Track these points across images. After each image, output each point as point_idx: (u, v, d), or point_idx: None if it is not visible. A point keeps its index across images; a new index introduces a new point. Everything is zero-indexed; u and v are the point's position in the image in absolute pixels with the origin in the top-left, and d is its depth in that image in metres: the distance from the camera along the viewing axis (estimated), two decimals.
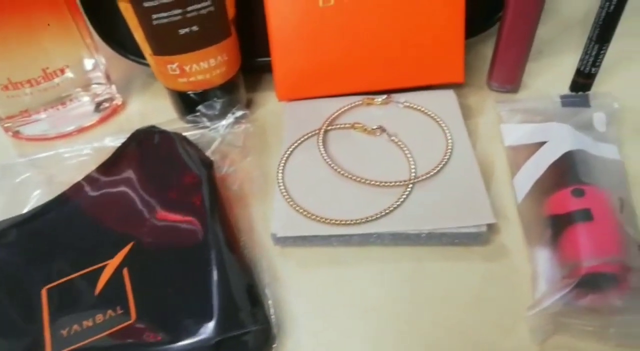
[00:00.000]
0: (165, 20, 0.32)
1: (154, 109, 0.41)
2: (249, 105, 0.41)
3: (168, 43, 0.33)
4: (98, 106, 0.41)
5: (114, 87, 0.41)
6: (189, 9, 0.32)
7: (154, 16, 0.31)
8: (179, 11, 0.32)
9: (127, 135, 0.36)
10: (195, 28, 0.33)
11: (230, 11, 0.34)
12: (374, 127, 0.34)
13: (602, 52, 0.35)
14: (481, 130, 0.36)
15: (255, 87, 0.42)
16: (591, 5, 0.47)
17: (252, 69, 0.40)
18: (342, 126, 0.35)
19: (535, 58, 0.42)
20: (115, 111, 0.42)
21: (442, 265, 0.29)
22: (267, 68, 0.38)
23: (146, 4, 0.31)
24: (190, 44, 0.33)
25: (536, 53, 0.42)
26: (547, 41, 0.44)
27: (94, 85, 0.40)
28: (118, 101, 0.42)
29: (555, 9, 0.48)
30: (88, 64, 0.39)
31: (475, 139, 0.36)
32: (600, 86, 0.39)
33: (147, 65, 0.37)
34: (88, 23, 0.39)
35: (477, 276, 0.28)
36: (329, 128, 0.35)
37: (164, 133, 0.35)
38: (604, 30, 0.33)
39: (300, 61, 0.36)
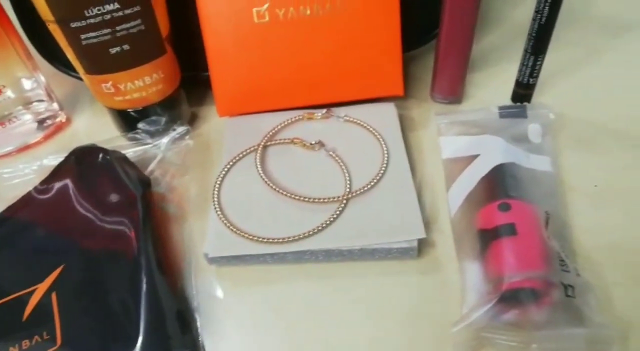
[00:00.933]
0: (94, 40, 0.31)
1: (100, 125, 0.41)
2: (193, 120, 0.40)
3: (99, 62, 0.33)
4: (41, 124, 0.40)
5: (56, 104, 0.41)
6: (118, 28, 0.31)
7: (83, 36, 0.31)
8: (108, 31, 0.31)
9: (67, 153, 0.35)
10: (126, 47, 0.32)
11: (164, 28, 0.34)
12: (313, 142, 0.34)
13: (538, 63, 0.35)
14: (423, 142, 0.36)
15: (201, 101, 0.42)
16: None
17: (197, 82, 0.40)
18: (281, 141, 0.35)
19: (480, 68, 0.42)
20: (59, 128, 0.41)
21: (376, 280, 0.29)
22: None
23: (73, 25, 0.31)
24: (123, 63, 0.33)
25: (481, 63, 0.43)
26: (492, 50, 0.44)
27: (35, 103, 0.39)
28: (62, 118, 0.41)
29: (501, 18, 0.48)
30: (27, 82, 0.38)
31: (416, 152, 0.36)
32: (543, 96, 0.39)
33: None
34: (27, 42, 0.38)
35: (411, 290, 0.28)
36: (269, 143, 0.35)
37: (102, 152, 0.35)
38: (538, 41, 0.34)
39: (239, 77, 0.36)
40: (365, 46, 0.35)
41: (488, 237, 0.27)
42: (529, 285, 0.25)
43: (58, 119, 0.41)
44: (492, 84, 0.40)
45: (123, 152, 0.36)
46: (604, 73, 0.41)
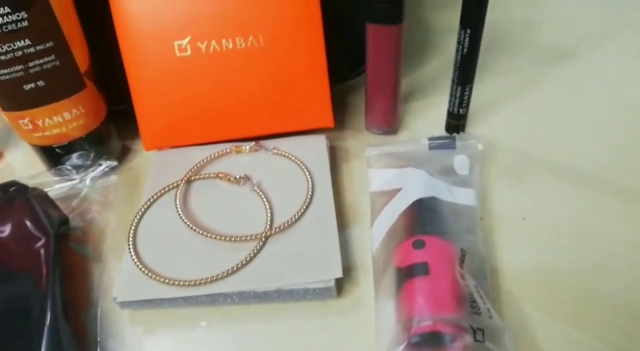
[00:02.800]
0: (7, 77, 0.31)
1: (33, 159, 0.40)
2: (125, 153, 0.39)
3: (14, 99, 0.32)
4: None
5: None
6: (31, 64, 0.31)
7: None
8: (20, 67, 0.30)
9: None
10: (40, 83, 0.31)
11: (83, 63, 0.33)
12: (238, 177, 0.33)
13: (466, 93, 0.34)
14: (355, 174, 0.36)
15: (134, 134, 0.41)
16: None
17: (130, 115, 0.39)
18: (206, 176, 0.34)
19: (418, 97, 0.42)
20: None
21: (294, 322, 0.28)
22: None
23: None
24: (38, 99, 0.32)
25: (419, 92, 0.42)
26: (430, 79, 0.44)
27: None
28: None
29: (440, 47, 0.48)
30: None
31: (348, 184, 0.35)
32: (477, 125, 0.39)
33: None
34: None
35: (329, 332, 0.27)
36: (193, 178, 0.34)
37: (21, 188, 0.34)
38: (463, 72, 0.33)
39: (164, 110, 0.35)
40: (291, 79, 0.35)
41: (403, 276, 0.26)
42: (437, 329, 0.24)
43: None
44: (429, 114, 0.40)
45: (49, 188, 0.35)
46: (538, 102, 0.41)
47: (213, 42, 0.33)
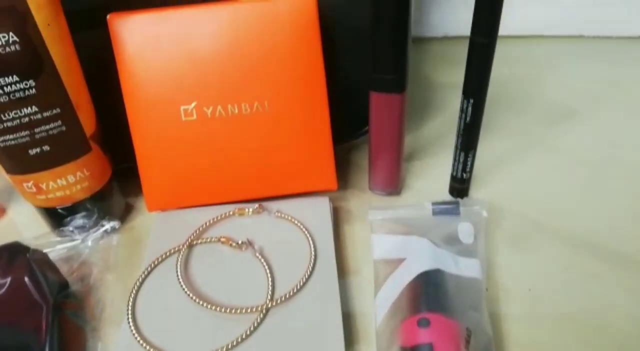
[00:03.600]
0: (12, 142, 0.31)
1: (35, 217, 0.40)
2: (128, 211, 0.39)
3: (18, 163, 0.32)
4: None
5: None
6: (37, 130, 0.31)
7: (0, 139, 0.30)
8: (26, 133, 0.31)
9: None
10: (46, 147, 0.32)
11: (89, 127, 0.33)
12: (241, 242, 0.33)
13: (469, 159, 0.34)
14: (358, 238, 0.35)
15: (137, 191, 0.41)
16: None
17: (134, 172, 0.39)
18: (209, 240, 0.34)
19: (421, 156, 0.42)
20: None
21: None
22: None
23: None
24: (43, 163, 0.32)
25: (422, 151, 0.42)
26: (433, 139, 0.44)
27: None
28: None
29: (444, 105, 0.48)
30: None
31: (351, 248, 0.35)
32: (481, 188, 0.38)
33: None
34: None
35: None
36: (196, 242, 0.34)
37: (22, 251, 0.33)
38: (465, 139, 0.33)
39: (168, 172, 0.35)
40: (295, 142, 0.35)
41: None
42: None
43: None
44: (432, 175, 0.40)
45: (50, 249, 0.35)
46: (541, 163, 0.41)
47: (219, 107, 0.34)
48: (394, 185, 0.38)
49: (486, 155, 0.41)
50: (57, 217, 0.35)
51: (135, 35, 0.33)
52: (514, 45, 0.56)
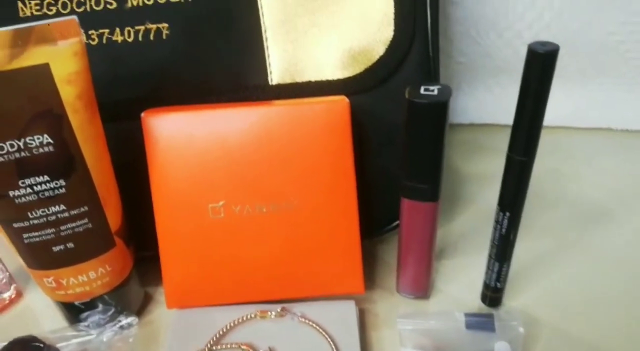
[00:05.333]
0: (37, 239, 0.30)
1: (50, 303, 0.39)
2: (147, 302, 0.38)
3: (41, 259, 0.31)
4: None
5: (8, 278, 0.39)
6: (63, 227, 0.30)
7: (25, 235, 0.30)
8: (52, 230, 0.30)
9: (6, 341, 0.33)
10: (70, 245, 0.31)
11: (115, 223, 0.33)
12: None
13: (503, 269, 0.33)
14: (386, 346, 0.34)
15: (157, 280, 0.40)
16: None
17: (154, 260, 0.39)
18: (229, 346, 0.32)
19: (450, 255, 0.41)
20: (10, 303, 0.39)
21: None
22: None
23: (16, 225, 0.30)
24: (65, 260, 0.32)
25: (451, 250, 0.41)
26: (463, 235, 0.43)
27: None
28: (12, 293, 0.40)
29: (471, 198, 0.47)
30: None
31: None
32: (515, 297, 0.36)
33: None
34: None
35: None
36: (215, 348, 0.32)
37: (36, 345, 0.33)
38: (501, 250, 0.32)
39: (191, 270, 0.34)
40: (322, 244, 0.34)
41: None
42: None
43: (7, 294, 0.39)
44: (462, 277, 0.38)
45: (65, 343, 0.34)
46: (578, 268, 0.39)
47: (247, 206, 0.33)
48: (423, 291, 0.36)
49: (518, 257, 0.39)
50: (74, 310, 0.34)
51: (168, 133, 0.33)
52: (543, 135, 0.56)
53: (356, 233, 0.34)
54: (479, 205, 0.46)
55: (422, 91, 0.28)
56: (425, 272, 0.35)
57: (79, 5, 0.36)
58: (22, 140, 0.28)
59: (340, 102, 0.33)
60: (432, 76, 0.38)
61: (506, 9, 0.50)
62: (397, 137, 0.38)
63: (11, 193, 0.29)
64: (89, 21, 0.35)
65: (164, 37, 0.36)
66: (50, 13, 0.36)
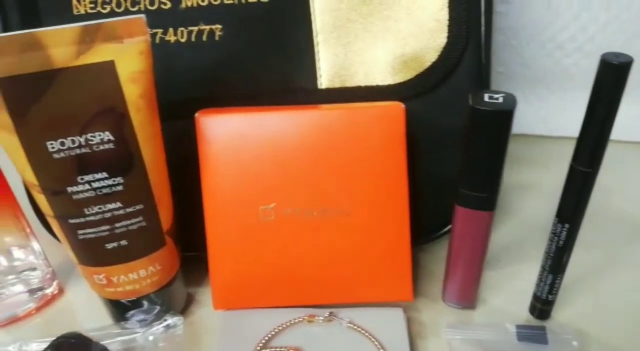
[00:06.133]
0: (91, 236, 0.30)
1: (92, 299, 0.39)
2: (189, 302, 0.38)
3: (94, 256, 0.31)
4: (32, 294, 0.38)
5: (49, 274, 0.39)
6: (118, 225, 0.31)
7: (80, 231, 0.30)
8: (106, 227, 0.30)
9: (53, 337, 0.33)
10: (124, 242, 0.31)
11: (166, 222, 0.33)
12: None
13: (557, 281, 0.33)
14: None
15: (199, 281, 0.40)
16: (550, 208, 0.46)
17: (198, 261, 0.39)
18: (277, 350, 0.32)
19: (494, 266, 0.40)
20: (51, 300, 0.39)
21: None
22: None
23: (72, 221, 0.30)
24: (118, 257, 0.32)
25: (495, 261, 0.41)
26: (506, 247, 0.42)
27: (27, 272, 0.38)
28: (54, 289, 0.40)
29: (513, 208, 0.47)
30: (22, 250, 0.37)
31: None
32: (565, 309, 0.36)
33: None
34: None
35: None
36: None
37: (85, 343, 0.33)
38: (555, 262, 0.32)
39: (240, 272, 0.34)
40: (372, 250, 0.34)
41: None
42: None
43: (50, 290, 0.39)
44: (509, 288, 0.38)
45: (110, 341, 0.34)
46: (631, 285, 0.38)
47: (298, 209, 0.33)
48: (470, 301, 0.36)
49: (570, 269, 0.39)
50: (120, 308, 0.34)
51: (221, 134, 0.33)
52: None
53: (407, 241, 0.34)
54: (518, 216, 0.46)
55: (486, 98, 0.28)
56: (474, 282, 0.34)
57: (133, 4, 0.36)
58: (84, 136, 0.28)
59: (396, 108, 0.33)
60: (483, 84, 0.38)
61: (550, 20, 0.50)
62: (446, 143, 0.38)
63: (69, 189, 0.29)
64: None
65: (217, 38, 0.36)
66: (104, 11, 0.36)
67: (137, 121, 0.29)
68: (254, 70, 0.37)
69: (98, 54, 0.27)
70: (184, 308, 0.38)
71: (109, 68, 0.27)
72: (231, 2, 0.36)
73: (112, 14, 0.36)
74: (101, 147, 0.28)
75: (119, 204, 0.30)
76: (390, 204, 0.33)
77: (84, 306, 0.39)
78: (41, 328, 0.37)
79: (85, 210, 0.30)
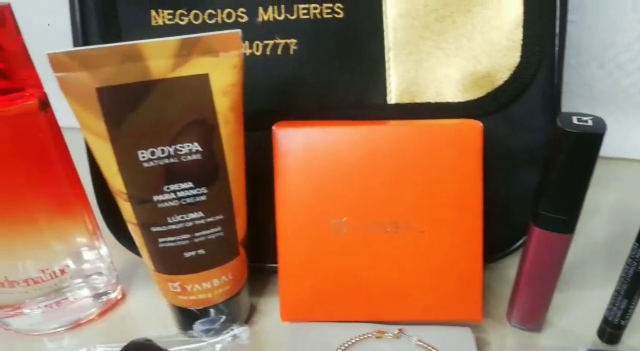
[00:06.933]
0: (171, 244, 0.31)
1: (153, 306, 0.39)
2: (252, 313, 0.38)
3: (171, 264, 0.32)
4: (96, 299, 0.39)
5: (116, 278, 0.40)
6: (197, 234, 0.31)
7: (161, 240, 0.31)
8: (187, 236, 0.31)
9: (120, 343, 0.34)
10: (201, 251, 0.31)
11: (241, 232, 0.33)
12: None
13: (631, 306, 0.32)
14: None
15: (260, 292, 0.40)
16: (619, 229, 0.45)
17: (260, 271, 0.39)
18: None
19: (561, 288, 0.39)
20: (114, 305, 0.40)
21: None
22: (275, 271, 0.36)
23: (154, 229, 0.30)
24: (194, 266, 0.32)
25: (562, 283, 0.40)
26: (574, 267, 0.41)
27: (94, 276, 0.38)
28: (118, 294, 0.40)
29: (579, 229, 0.46)
30: (90, 254, 0.37)
31: None
32: (636, 334, 0.35)
33: None
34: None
35: None
36: None
37: (154, 350, 0.33)
38: (633, 286, 0.31)
39: (309, 285, 0.34)
40: (443, 267, 0.34)
41: None
42: None
43: (114, 295, 0.40)
44: (576, 311, 0.37)
45: (176, 348, 0.34)
46: None
47: (370, 224, 0.33)
48: (537, 323, 0.35)
49: None
50: (189, 316, 0.35)
51: (297, 147, 0.33)
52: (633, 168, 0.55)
53: (479, 260, 0.34)
54: (583, 238, 0.45)
55: (575, 121, 0.28)
56: (544, 304, 0.34)
57: (210, 17, 0.37)
58: (173, 146, 0.28)
59: (475, 126, 0.33)
60: (555, 104, 0.37)
61: (612, 40, 0.49)
62: (514, 162, 0.37)
63: (155, 197, 0.29)
64: None
65: (292, 52, 0.36)
66: (182, 23, 0.37)
67: (225, 133, 0.29)
68: (325, 84, 0.37)
69: (194, 67, 0.27)
70: (247, 318, 0.38)
71: (203, 81, 0.28)
72: (307, 17, 0.36)
73: (189, 25, 0.37)
74: (189, 158, 0.29)
75: (200, 214, 0.30)
76: (464, 223, 0.33)
77: (144, 312, 0.39)
78: (104, 333, 0.38)
79: (169, 218, 0.30)
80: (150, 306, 0.40)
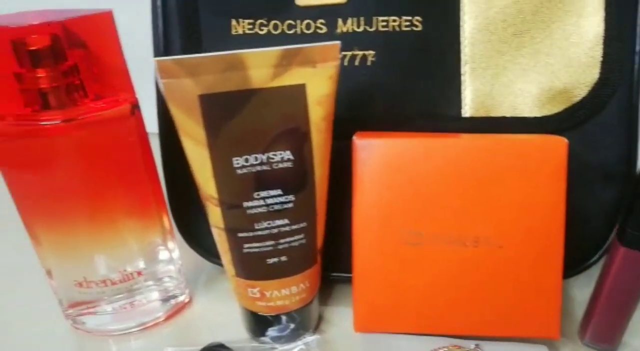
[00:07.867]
0: (255, 250, 0.31)
1: (219, 311, 0.40)
2: (319, 321, 0.38)
3: (253, 270, 0.32)
4: (164, 302, 0.39)
5: (183, 282, 0.40)
6: (282, 241, 0.31)
7: (246, 245, 0.31)
8: (271, 243, 0.31)
9: (187, 347, 0.34)
10: (283, 258, 0.32)
11: (320, 240, 0.33)
12: None
13: None
14: None
15: (327, 300, 0.40)
16: None
17: (328, 281, 0.39)
18: None
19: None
20: (181, 308, 0.40)
21: None
22: (342, 280, 0.36)
23: (240, 235, 0.31)
24: (276, 273, 0.32)
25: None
26: None
27: (166, 279, 0.39)
28: (186, 298, 0.41)
29: None
30: (163, 257, 0.38)
31: None
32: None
33: None
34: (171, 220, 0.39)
35: None
36: None
37: None
38: None
39: (383, 295, 0.34)
40: (522, 284, 0.33)
41: None
42: None
43: (182, 298, 0.40)
44: None
45: None
46: None
47: (447, 237, 0.33)
48: (613, 343, 0.35)
49: None
50: (262, 323, 0.35)
51: (376, 157, 0.33)
52: None
53: (558, 278, 0.33)
54: None
55: None
56: (621, 325, 0.34)
57: (289, 27, 0.37)
58: (266, 154, 0.29)
59: (560, 142, 0.32)
60: (632, 123, 0.37)
61: None
62: (590, 178, 0.37)
63: (245, 204, 0.30)
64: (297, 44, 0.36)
65: (369, 63, 0.37)
66: (261, 33, 0.37)
67: (316, 142, 0.30)
68: (400, 96, 0.37)
69: (292, 77, 0.28)
70: (316, 326, 0.38)
71: (300, 91, 0.28)
72: (386, 29, 0.36)
73: (268, 35, 0.37)
74: (280, 165, 0.29)
75: (286, 221, 0.31)
76: (545, 239, 0.33)
77: (209, 317, 0.40)
78: (171, 336, 0.38)
79: (256, 224, 0.30)
80: (215, 311, 0.40)
